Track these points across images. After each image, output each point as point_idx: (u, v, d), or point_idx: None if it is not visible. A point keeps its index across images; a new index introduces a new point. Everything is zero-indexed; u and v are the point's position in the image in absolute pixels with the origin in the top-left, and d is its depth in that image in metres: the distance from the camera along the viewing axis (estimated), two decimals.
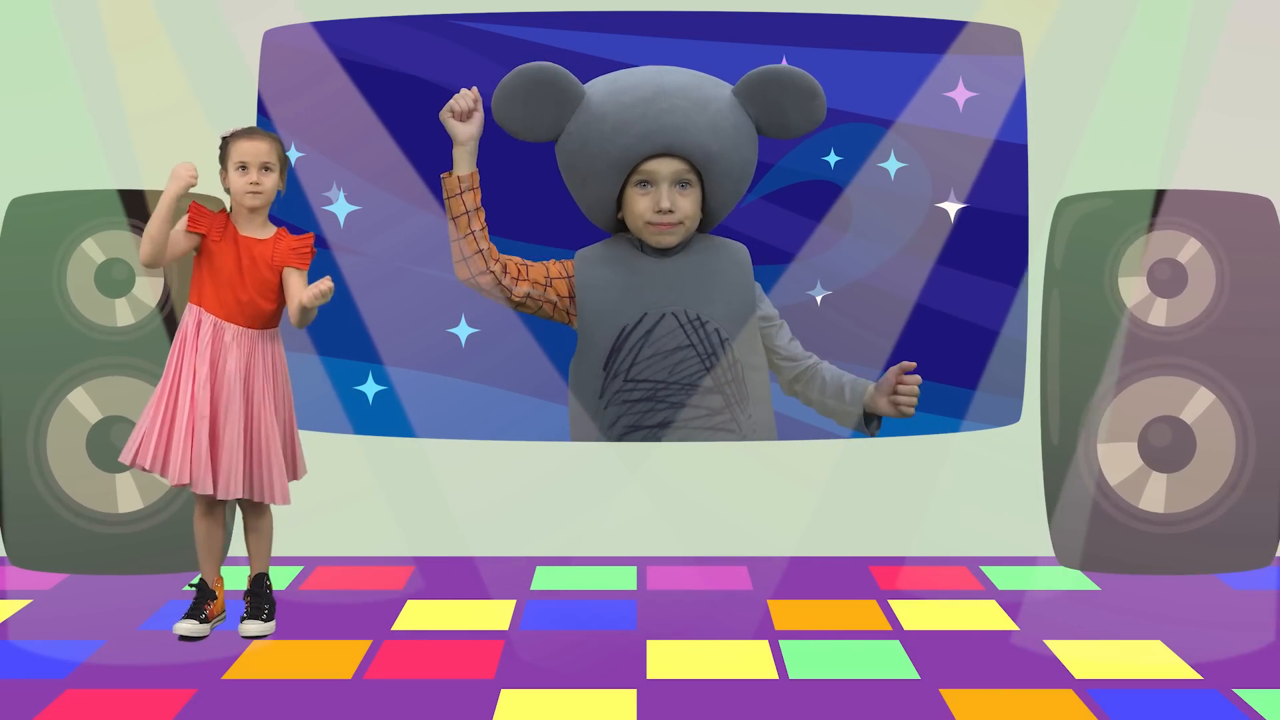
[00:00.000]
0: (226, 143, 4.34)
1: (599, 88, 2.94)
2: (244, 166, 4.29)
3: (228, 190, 4.35)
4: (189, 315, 4.33)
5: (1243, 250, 5.13)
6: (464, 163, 3.03)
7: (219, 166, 4.36)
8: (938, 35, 5.35)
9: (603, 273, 2.80)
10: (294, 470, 4.45)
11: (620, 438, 2.84)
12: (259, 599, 4.45)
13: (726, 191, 2.81)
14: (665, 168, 2.78)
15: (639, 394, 2.78)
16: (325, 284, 4.21)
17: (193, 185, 4.21)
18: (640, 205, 2.74)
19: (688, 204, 2.83)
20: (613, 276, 2.84)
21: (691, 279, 2.79)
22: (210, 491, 4.28)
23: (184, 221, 4.31)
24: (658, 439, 2.76)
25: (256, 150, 4.30)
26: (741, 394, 2.68)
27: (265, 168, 4.30)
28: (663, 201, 2.74)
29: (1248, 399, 5.13)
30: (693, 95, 2.86)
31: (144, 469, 4.31)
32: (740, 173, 2.79)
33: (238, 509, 4.68)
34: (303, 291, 4.26)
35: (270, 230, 4.36)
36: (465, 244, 3.02)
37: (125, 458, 4.33)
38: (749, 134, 2.82)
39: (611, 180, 2.81)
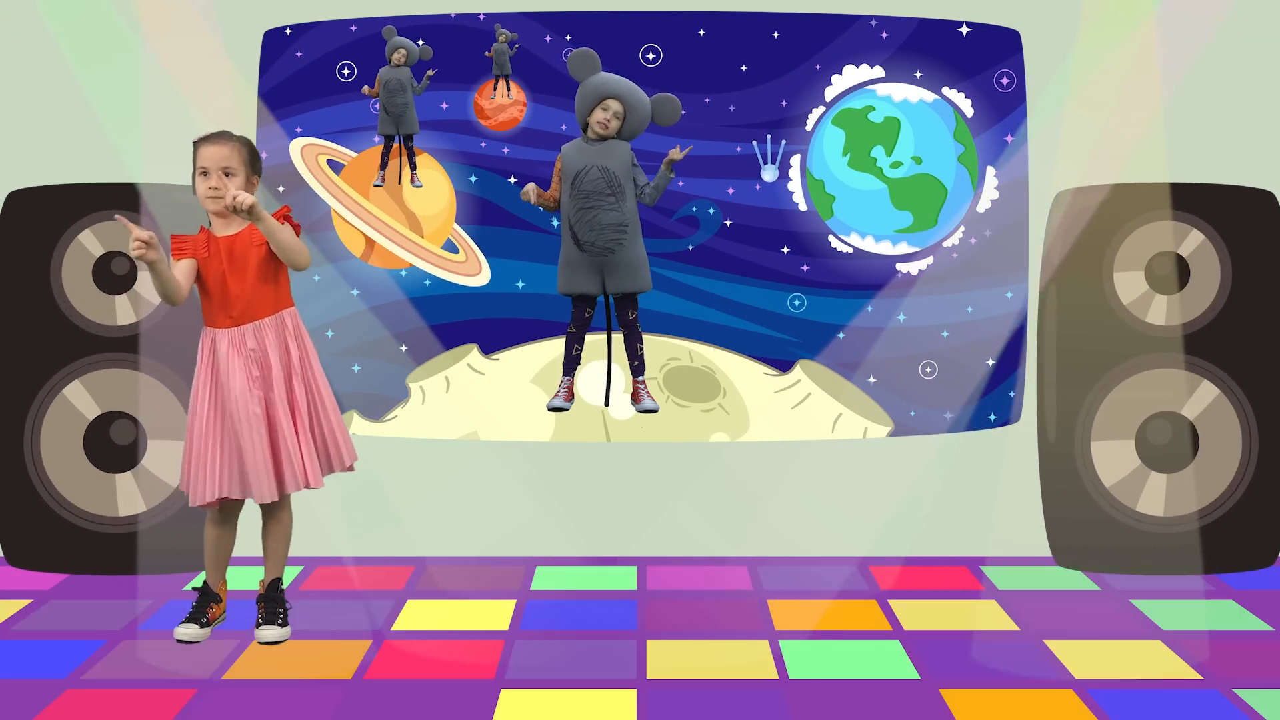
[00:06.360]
0: (194, 148, 4.32)
1: (605, 73, 4.85)
2: (205, 172, 4.29)
3: (196, 194, 4.33)
4: (205, 340, 4.31)
5: (1245, 244, 5.11)
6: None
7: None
8: (938, 35, 5.35)
9: (572, 151, 4.82)
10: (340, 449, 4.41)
11: (580, 234, 4.79)
12: (274, 604, 4.43)
13: (627, 133, 4.81)
14: (616, 106, 4.79)
15: (582, 203, 4.76)
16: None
17: (142, 253, 4.11)
18: (595, 117, 4.79)
19: (615, 126, 4.80)
20: (575, 151, 4.82)
21: (601, 152, 4.78)
22: (275, 497, 4.27)
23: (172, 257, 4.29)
24: (596, 222, 4.77)
25: (215, 156, 4.28)
26: (622, 200, 4.78)
27: (226, 172, 4.28)
28: (610, 119, 4.80)
29: (1250, 394, 5.11)
30: (642, 96, 4.83)
31: (200, 506, 4.31)
32: (637, 131, 4.83)
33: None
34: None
35: (247, 221, 4.32)
36: (543, 206, 4.90)
37: (191, 500, 4.33)
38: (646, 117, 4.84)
39: (594, 99, 4.79)
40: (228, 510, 4.39)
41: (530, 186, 4.82)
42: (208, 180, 4.27)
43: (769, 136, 5.34)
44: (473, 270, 5.38)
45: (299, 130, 5.36)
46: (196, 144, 4.31)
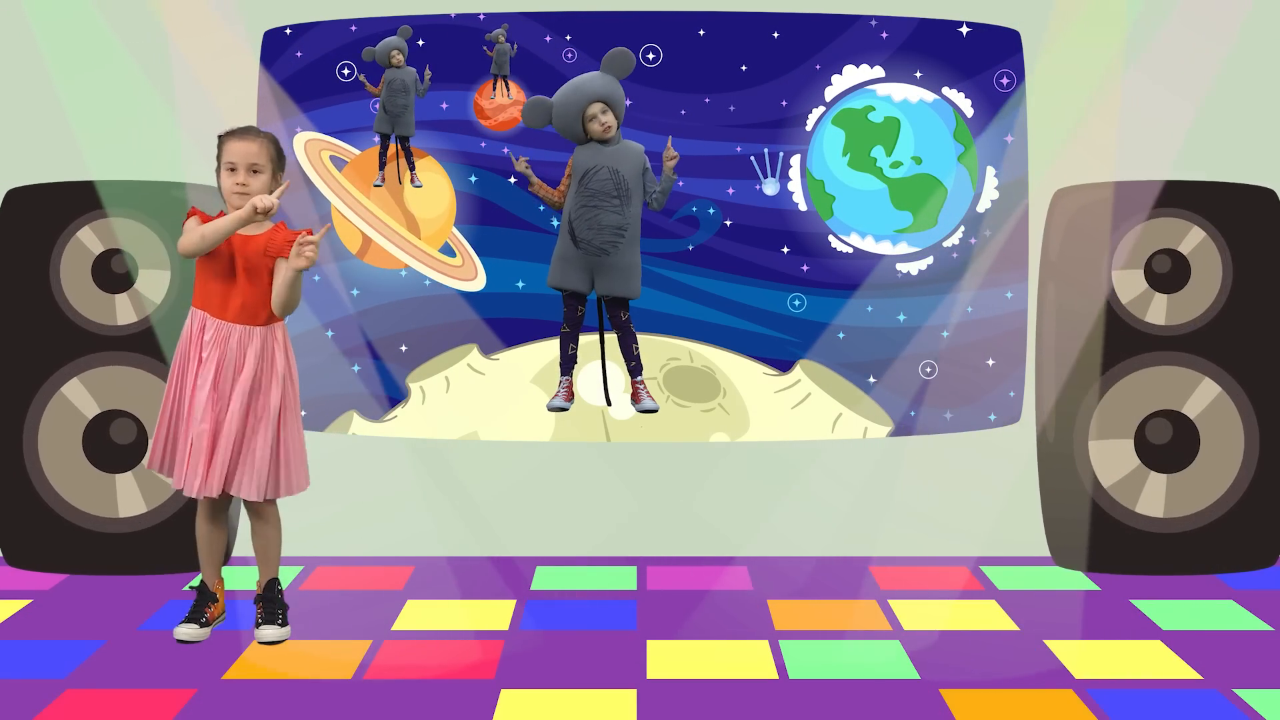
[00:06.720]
0: (221, 142, 4.32)
1: (559, 92, 4.91)
2: (233, 167, 4.28)
3: (220, 190, 4.33)
4: (192, 319, 4.31)
5: (1246, 242, 5.10)
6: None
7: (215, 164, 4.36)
8: (938, 35, 5.35)
9: (584, 151, 4.84)
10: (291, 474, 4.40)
11: (578, 231, 4.85)
12: (272, 604, 4.42)
13: (619, 113, 4.84)
14: (597, 107, 4.80)
15: (586, 201, 4.80)
16: (315, 237, 4.20)
17: (263, 210, 4.17)
18: (591, 125, 4.81)
19: (610, 119, 4.81)
20: (588, 151, 4.83)
21: (614, 153, 4.81)
22: (214, 495, 4.26)
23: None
24: (596, 222, 4.83)
25: (245, 151, 4.27)
26: (627, 204, 4.82)
27: (253, 169, 4.27)
28: (601, 119, 4.81)
29: (1251, 392, 5.10)
30: (598, 78, 4.85)
31: (161, 475, 4.33)
32: (621, 104, 4.87)
33: (242, 511, 4.65)
34: (291, 260, 4.23)
35: (266, 226, 4.34)
36: (549, 203, 4.96)
37: (146, 463, 4.35)
38: (618, 86, 4.86)
39: (574, 118, 4.82)
40: (217, 504, 4.38)
41: (522, 159, 4.88)
42: (235, 176, 4.27)
43: (767, 150, 5.33)
44: (469, 275, 5.38)
45: (298, 130, 5.36)
46: (223, 138, 4.31)
